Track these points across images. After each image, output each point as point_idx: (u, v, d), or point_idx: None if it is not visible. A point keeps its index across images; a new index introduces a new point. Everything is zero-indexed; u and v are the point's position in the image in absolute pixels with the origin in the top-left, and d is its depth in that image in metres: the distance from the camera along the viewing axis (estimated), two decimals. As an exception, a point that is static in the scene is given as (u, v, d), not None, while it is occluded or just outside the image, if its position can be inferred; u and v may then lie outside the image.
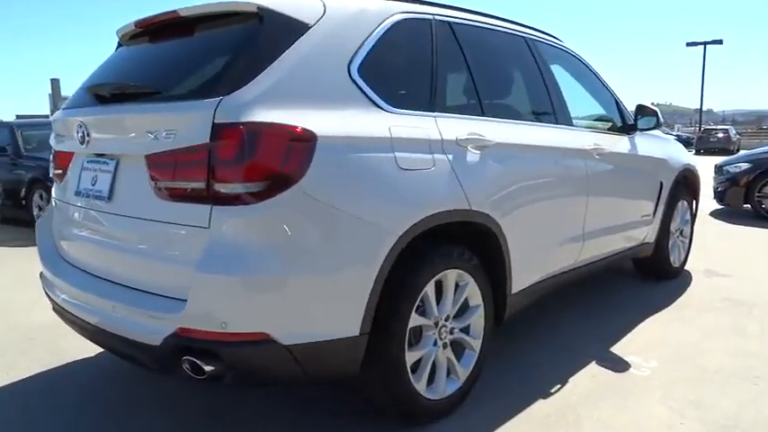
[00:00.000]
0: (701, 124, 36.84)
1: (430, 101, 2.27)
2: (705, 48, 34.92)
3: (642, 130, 3.61)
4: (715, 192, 7.54)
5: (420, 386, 2.15)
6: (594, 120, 3.69)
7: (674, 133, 34.05)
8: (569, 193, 2.89)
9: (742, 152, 8.40)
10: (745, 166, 7.15)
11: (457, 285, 2.32)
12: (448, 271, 2.24)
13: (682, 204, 4.30)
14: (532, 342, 3.04)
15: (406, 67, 2.30)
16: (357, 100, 1.99)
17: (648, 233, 3.85)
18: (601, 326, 3.28)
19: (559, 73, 3.30)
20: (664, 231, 4.02)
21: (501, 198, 2.41)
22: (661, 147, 3.96)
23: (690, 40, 35.26)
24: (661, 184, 3.88)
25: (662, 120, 3.53)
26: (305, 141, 1.78)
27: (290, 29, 1.94)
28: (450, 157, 2.19)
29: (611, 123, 3.63)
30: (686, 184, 4.44)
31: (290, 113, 1.79)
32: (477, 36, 2.66)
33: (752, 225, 6.74)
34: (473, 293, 2.38)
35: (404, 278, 2.05)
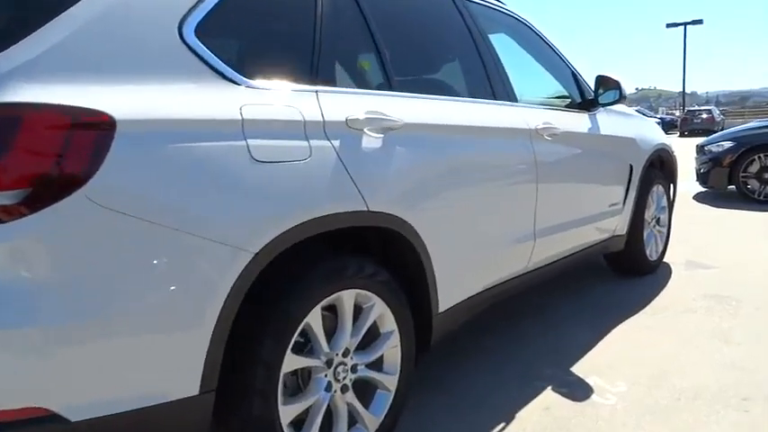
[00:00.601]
0: (684, 106, 36.54)
1: (310, 71, 1.74)
2: (685, 29, 34.61)
3: (604, 105, 3.11)
4: (698, 174, 7.07)
5: (306, 448, 1.64)
6: (551, 97, 3.19)
7: (659, 116, 33.73)
8: (511, 184, 2.37)
9: (725, 131, 7.90)
10: (727, 144, 6.68)
11: (359, 309, 1.80)
12: (343, 292, 1.71)
13: (657, 189, 3.81)
14: (474, 364, 2.52)
15: (273, 26, 1.77)
16: (192, 71, 1.46)
17: (618, 224, 3.36)
18: (562, 339, 2.77)
19: (503, 42, 2.79)
20: (637, 221, 3.53)
21: (414, 195, 1.89)
22: (629, 125, 3.46)
23: (670, 21, 34.94)
24: (631, 167, 3.39)
25: (625, 92, 3.03)
26: (95, 129, 1.24)
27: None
28: (337, 143, 1.66)
29: (569, 100, 3.13)
30: (661, 167, 3.96)
31: (75, 90, 1.25)
32: None
33: (738, 208, 6.28)
34: (383, 318, 1.86)
35: (269, 309, 1.53)
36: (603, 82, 3.05)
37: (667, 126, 30.44)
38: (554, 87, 3.16)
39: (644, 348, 2.64)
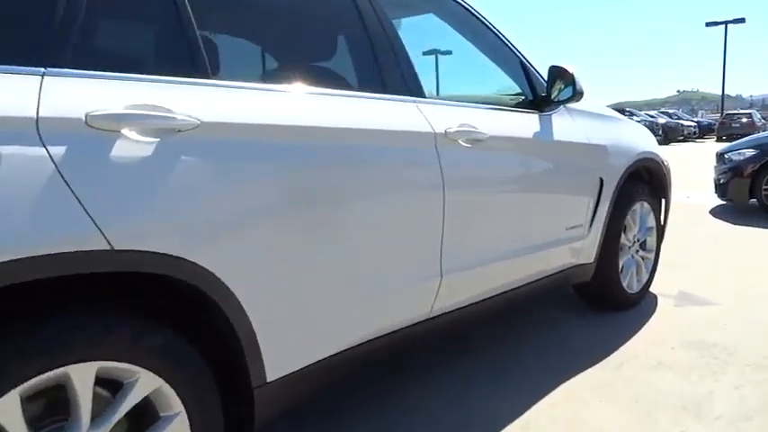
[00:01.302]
0: (722, 109, 34.81)
1: (39, 46, 1.20)
2: (726, 27, 32.89)
3: (560, 102, 2.48)
4: (716, 184, 6.29)
5: None
6: (498, 93, 2.59)
7: (695, 119, 32.16)
8: (395, 206, 1.77)
9: (749, 137, 7.08)
10: (749, 152, 5.90)
11: (117, 385, 1.26)
12: (71, 367, 1.17)
13: (641, 207, 3.16)
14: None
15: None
16: None
17: (582, 251, 2.73)
18: (477, 410, 2.15)
19: (426, 25, 2.21)
20: (609, 246, 2.90)
21: (213, 226, 1.33)
22: (600, 129, 2.82)
23: (709, 20, 33.29)
24: (601, 181, 2.75)
25: (580, 88, 2.39)
26: None
27: None
28: (57, 150, 1.12)
29: (521, 98, 2.52)
30: (649, 180, 3.30)
31: None
32: None
33: (759, 225, 5.51)
34: (159, 396, 1.32)
35: None
36: (560, 74, 2.43)
37: (704, 130, 29.00)
38: (499, 82, 2.55)
39: (583, 422, 2.02)
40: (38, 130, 1.10)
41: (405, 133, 1.81)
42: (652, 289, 3.48)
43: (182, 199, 1.28)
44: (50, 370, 1.13)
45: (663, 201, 3.39)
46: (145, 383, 1.27)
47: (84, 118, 1.17)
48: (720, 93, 35.57)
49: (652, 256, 3.32)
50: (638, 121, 23.66)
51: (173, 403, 1.33)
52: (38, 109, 1.11)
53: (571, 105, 2.68)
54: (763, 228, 5.38)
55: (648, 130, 3.46)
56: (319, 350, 1.63)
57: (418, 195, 1.84)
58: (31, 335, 1.12)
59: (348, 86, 1.85)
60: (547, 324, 2.96)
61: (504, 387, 2.29)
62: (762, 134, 6.61)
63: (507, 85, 2.54)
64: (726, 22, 32.91)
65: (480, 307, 2.21)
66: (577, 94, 2.39)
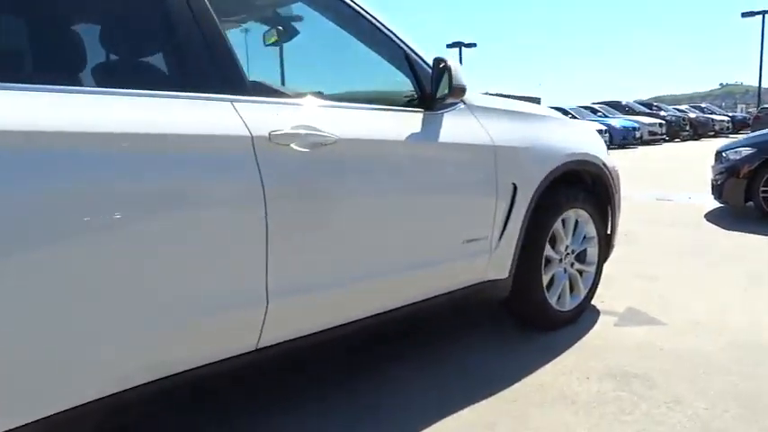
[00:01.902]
0: (759, 103, 33.26)
1: None
2: (764, 18, 31.36)
3: (444, 99, 2.17)
4: (713, 185, 5.82)
5: None
6: (381, 90, 2.30)
7: (729, 114, 30.73)
8: (192, 221, 1.52)
9: (750, 135, 6.55)
10: (746, 151, 5.41)
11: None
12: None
13: (576, 215, 2.83)
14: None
15: None
16: None
17: (490, 266, 2.43)
18: None
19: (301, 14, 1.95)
20: (530, 259, 2.59)
21: None
22: (514, 129, 2.50)
23: (745, 10, 31.79)
24: (514, 187, 2.44)
25: (457, 83, 2.08)
26: None
27: None
28: None
29: (410, 95, 2.23)
30: (593, 185, 2.97)
31: None
32: None
33: (753, 231, 5.05)
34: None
35: None
36: (442, 68, 2.12)
37: (738, 125, 27.73)
38: (385, 78, 2.26)
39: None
40: None
41: (208, 138, 1.55)
42: (599, 305, 3.15)
43: None
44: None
45: (608, 208, 3.04)
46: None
47: None
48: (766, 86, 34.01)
49: (593, 269, 2.99)
50: (665, 116, 22.94)
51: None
52: None
53: (475, 103, 2.39)
54: (758, 234, 4.93)
55: (595, 133, 3.12)
56: (69, 397, 1.38)
57: (226, 209, 1.58)
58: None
59: (132, 83, 1.58)
60: (459, 347, 2.66)
61: (367, 421, 2.01)
62: (762, 131, 6.08)
63: (398, 82, 2.26)
64: (763, 12, 31.39)
65: (345, 330, 1.94)
66: (454, 90, 2.08)
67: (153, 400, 1.56)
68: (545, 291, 2.69)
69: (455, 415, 2.05)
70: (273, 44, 2.55)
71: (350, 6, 2.08)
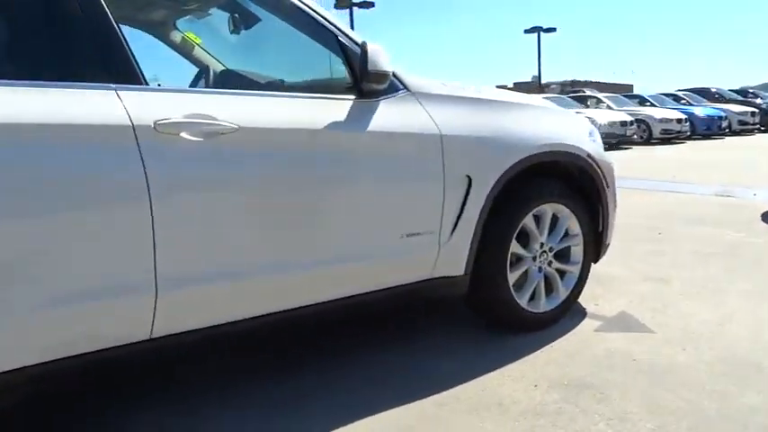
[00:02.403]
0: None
1: None
2: None
3: (372, 86, 2.05)
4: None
5: None
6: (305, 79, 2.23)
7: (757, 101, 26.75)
8: (68, 212, 1.53)
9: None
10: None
11: None
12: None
13: (553, 210, 2.63)
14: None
15: None
16: None
17: (440, 262, 2.30)
18: None
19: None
20: (492, 257, 2.43)
21: None
22: (469, 117, 2.34)
23: None
24: (469, 180, 2.29)
25: (373, 68, 1.94)
26: None
27: None
28: None
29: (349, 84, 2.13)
30: (580, 177, 2.75)
31: None
32: None
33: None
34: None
35: None
36: (368, 54, 2.00)
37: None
38: (321, 66, 2.18)
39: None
40: None
41: (87, 127, 1.56)
42: (591, 307, 2.93)
43: None
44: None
45: (598, 204, 2.80)
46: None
47: None
48: None
49: (576, 269, 2.77)
50: (760, 104, 20.57)
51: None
52: None
53: (424, 90, 2.26)
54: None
55: (579, 124, 2.87)
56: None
57: (109, 199, 1.59)
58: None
59: (10, 72, 1.59)
60: (413, 346, 2.54)
61: (288, 417, 1.97)
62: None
63: (340, 70, 2.17)
64: None
65: (254, 323, 1.91)
66: (370, 75, 1.96)
67: (41, 380, 1.60)
68: (511, 290, 2.52)
69: (377, 416, 1.96)
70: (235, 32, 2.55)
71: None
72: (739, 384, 2.11)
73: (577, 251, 2.77)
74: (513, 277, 2.52)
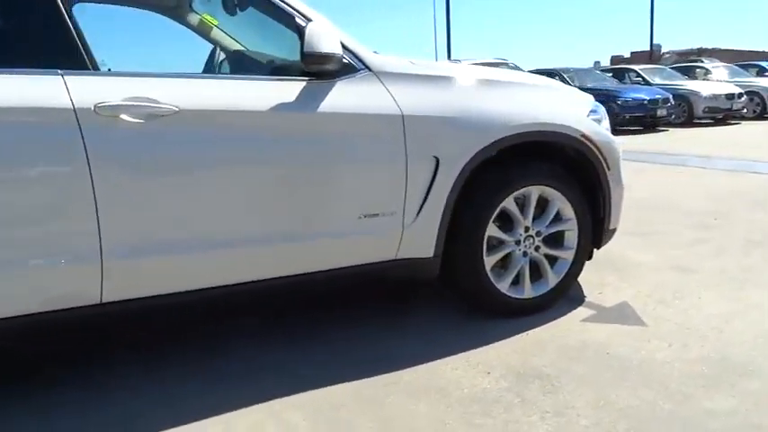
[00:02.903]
0: None
1: None
2: None
3: (319, 71, 2.04)
4: None
5: None
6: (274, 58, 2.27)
7: None
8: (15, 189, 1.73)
9: None
10: None
11: None
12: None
13: (541, 193, 2.51)
14: None
15: None
16: None
17: (405, 243, 2.28)
18: (177, 415, 1.93)
19: None
20: (465, 240, 2.37)
21: None
22: (438, 96, 2.28)
23: None
24: (437, 161, 2.25)
25: (309, 49, 1.92)
26: None
27: None
28: None
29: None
30: (576, 159, 2.61)
31: None
32: None
33: None
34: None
35: None
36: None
37: None
38: (283, 47, 2.21)
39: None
40: None
41: (32, 110, 1.72)
42: (594, 295, 2.81)
43: None
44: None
45: (596, 188, 2.63)
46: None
47: None
48: None
49: (570, 254, 2.63)
50: None
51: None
52: None
53: (387, 69, 2.24)
54: None
55: (575, 102, 2.70)
56: None
57: (53, 177, 1.76)
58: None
59: None
60: (395, 326, 2.57)
61: (220, 388, 2.08)
62: None
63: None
64: None
65: (205, 294, 2.03)
66: (306, 57, 1.96)
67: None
68: (488, 275, 2.45)
69: (315, 392, 2.02)
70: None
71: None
72: (710, 387, 1.94)
73: (571, 236, 2.63)
74: (490, 261, 2.46)
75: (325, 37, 1.97)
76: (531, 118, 2.43)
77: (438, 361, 2.21)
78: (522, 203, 2.50)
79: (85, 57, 1.83)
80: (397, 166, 2.20)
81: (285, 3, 2.11)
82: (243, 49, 2.72)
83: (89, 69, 1.83)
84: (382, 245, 2.28)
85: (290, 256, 2.14)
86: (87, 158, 1.76)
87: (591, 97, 2.82)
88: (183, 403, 1.97)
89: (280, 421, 1.86)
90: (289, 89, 2.06)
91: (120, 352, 2.39)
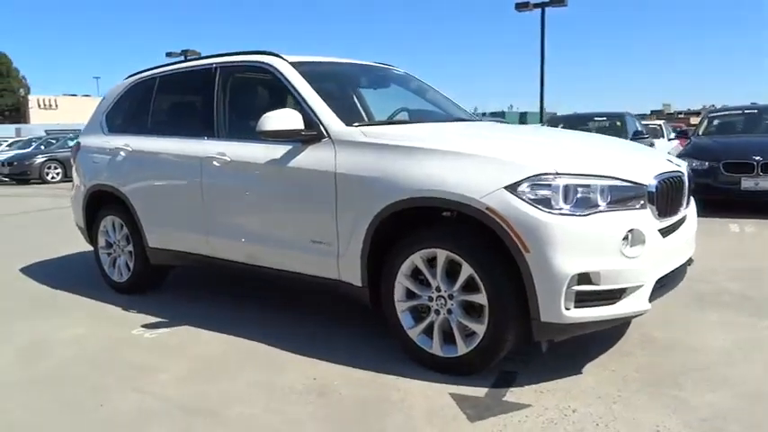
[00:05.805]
0: None
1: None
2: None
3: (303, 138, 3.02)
4: None
5: None
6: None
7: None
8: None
9: None
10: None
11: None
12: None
13: (450, 257, 2.54)
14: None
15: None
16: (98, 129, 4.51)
17: (341, 268, 2.93)
18: None
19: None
20: (381, 278, 2.80)
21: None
22: (367, 160, 2.80)
23: None
24: (357, 211, 2.79)
25: (263, 128, 2.85)
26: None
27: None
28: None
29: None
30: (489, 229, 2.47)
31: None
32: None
33: None
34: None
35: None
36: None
37: None
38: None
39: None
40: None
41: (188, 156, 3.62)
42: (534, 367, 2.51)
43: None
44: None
45: (522, 270, 2.36)
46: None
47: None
48: None
49: (480, 330, 2.50)
50: None
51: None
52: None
53: (342, 138, 2.94)
54: None
55: (506, 170, 2.42)
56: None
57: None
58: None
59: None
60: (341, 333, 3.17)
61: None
62: None
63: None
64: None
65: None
66: (260, 134, 2.97)
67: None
68: (399, 317, 2.74)
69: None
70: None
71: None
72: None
73: (485, 311, 2.49)
74: (402, 306, 2.74)
75: (269, 120, 2.92)
76: (428, 186, 2.55)
77: (319, 366, 2.87)
78: (433, 264, 2.62)
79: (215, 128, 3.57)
80: (329, 209, 2.91)
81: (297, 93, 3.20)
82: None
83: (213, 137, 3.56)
84: (327, 265, 3.02)
85: (275, 254, 3.26)
86: (201, 179, 3.53)
87: (525, 168, 2.38)
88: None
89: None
90: (279, 150, 3.13)
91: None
